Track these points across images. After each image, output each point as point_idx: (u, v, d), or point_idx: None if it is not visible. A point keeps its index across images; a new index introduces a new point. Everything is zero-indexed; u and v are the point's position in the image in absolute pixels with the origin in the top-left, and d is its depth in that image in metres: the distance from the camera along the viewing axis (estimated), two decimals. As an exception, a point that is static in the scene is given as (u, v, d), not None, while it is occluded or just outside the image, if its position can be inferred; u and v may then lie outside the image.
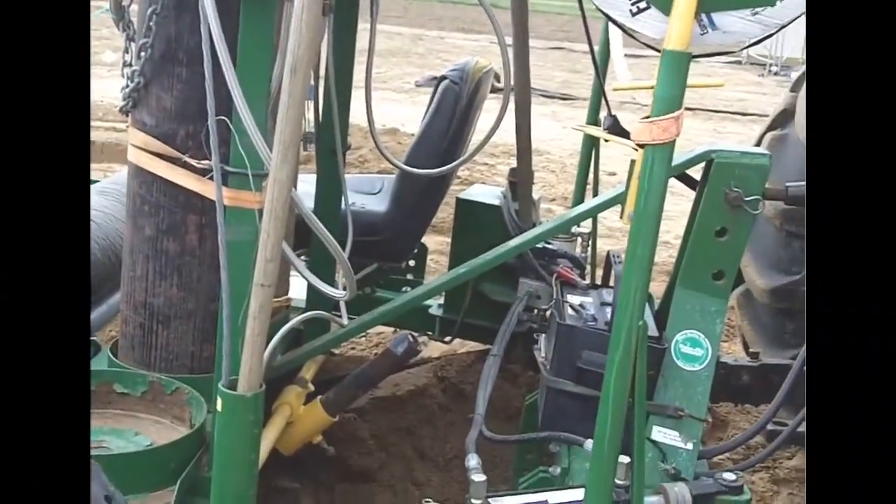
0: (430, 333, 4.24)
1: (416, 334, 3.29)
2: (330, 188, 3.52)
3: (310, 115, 3.39)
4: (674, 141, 1.81)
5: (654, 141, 1.78)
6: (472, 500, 2.51)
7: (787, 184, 3.21)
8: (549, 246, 3.78)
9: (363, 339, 5.05)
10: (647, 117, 1.81)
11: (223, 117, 2.48)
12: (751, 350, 3.87)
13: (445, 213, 5.57)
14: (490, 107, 3.96)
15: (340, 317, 3.23)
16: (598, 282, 3.47)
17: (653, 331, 2.99)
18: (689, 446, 2.90)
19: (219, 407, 2.34)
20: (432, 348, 4.74)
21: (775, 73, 20.30)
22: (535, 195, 4.07)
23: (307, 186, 3.65)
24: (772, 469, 4.37)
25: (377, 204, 3.99)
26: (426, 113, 4.00)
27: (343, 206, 3.48)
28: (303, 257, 3.53)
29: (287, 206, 2.11)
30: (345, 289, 2.77)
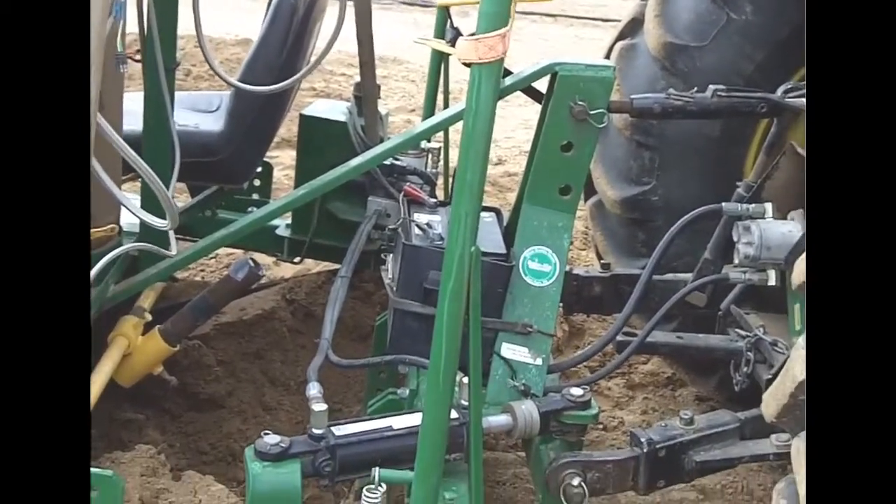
0: (278, 254, 4.11)
1: (255, 260, 3.15)
2: (158, 107, 3.31)
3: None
4: (501, 59, 1.71)
5: (481, 60, 1.68)
6: (314, 430, 2.43)
7: (633, 97, 3.17)
8: (398, 162, 3.66)
9: (213, 260, 4.89)
10: (473, 34, 1.71)
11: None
12: (602, 261, 3.85)
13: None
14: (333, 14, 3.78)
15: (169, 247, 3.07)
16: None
17: (501, 248, 2.95)
18: (539, 362, 2.89)
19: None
20: (285, 269, 4.62)
21: (635, -22, 20.29)
22: (392, 106, 3.95)
23: (136, 106, 3.44)
24: (627, 374, 4.42)
25: (214, 123, 3.79)
26: (262, 24, 3.80)
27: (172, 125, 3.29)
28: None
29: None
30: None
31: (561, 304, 3.07)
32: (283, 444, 2.37)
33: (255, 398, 3.83)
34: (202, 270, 4.84)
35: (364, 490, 2.03)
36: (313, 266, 4.56)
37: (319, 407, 2.44)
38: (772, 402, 2.28)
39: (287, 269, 4.64)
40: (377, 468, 2.06)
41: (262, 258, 4.52)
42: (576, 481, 2.67)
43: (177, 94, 3.70)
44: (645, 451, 2.72)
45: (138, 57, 3.26)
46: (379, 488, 2.04)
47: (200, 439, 3.63)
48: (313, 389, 2.55)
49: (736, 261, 3.16)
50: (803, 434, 2.12)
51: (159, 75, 3.17)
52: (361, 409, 3.53)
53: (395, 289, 2.94)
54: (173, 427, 3.64)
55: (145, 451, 2.91)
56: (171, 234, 3.02)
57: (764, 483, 3.75)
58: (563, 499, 2.69)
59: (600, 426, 4.04)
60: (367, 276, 4.09)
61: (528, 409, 2.68)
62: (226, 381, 3.79)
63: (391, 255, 3.14)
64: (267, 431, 2.40)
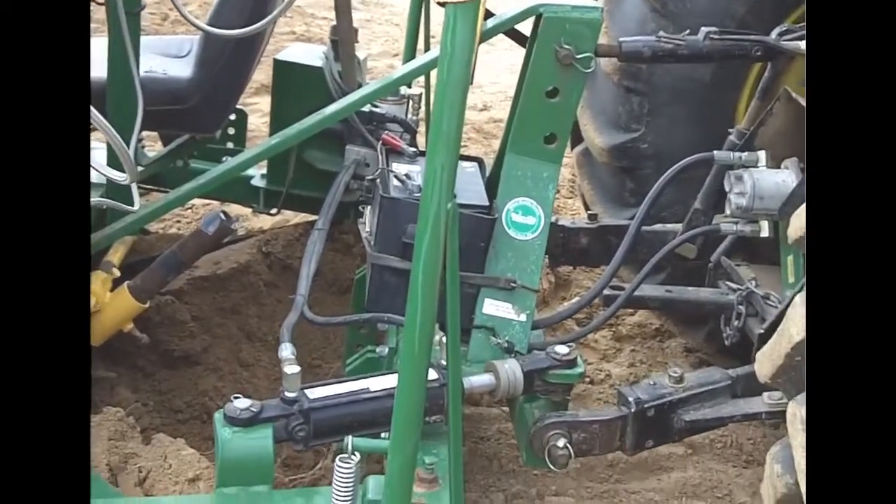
0: (254, 206, 3.99)
1: (227, 213, 3.02)
2: (121, 53, 3.15)
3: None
4: (479, -1, 1.57)
5: (456, -1, 1.54)
6: (286, 394, 2.32)
7: (621, 40, 3.03)
8: (377, 109, 3.52)
9: (188, 211, 4.75)
10: (448, -30, 1.57)
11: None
12: (589, 211, 3.74)
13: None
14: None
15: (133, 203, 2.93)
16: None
17: (483, 200, 2.83)
18: (523, 318, 2.79)
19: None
20: (262, 220, 4.48)
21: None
22: (375, 51, 3.79)
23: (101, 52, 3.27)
24: (614, 326, 4.33)
25: (183, 69, 3.62)
26: None
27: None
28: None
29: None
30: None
31: (546, 256, 2.97)
32: (253, 409, 2.26)
33: (231, 354, 3.72)
34: (178, 222, 4.70)
35: (337, 460, 1.92)
36: (291, 217, 4.43)
37: (292, 369, 2.32)
38: (766, 363, 2.19)
39: (264, 221, 4.50)
40: (350, 437, 1.94)
41: (238, 209, 4.41)
42: (561, 442, 2.58)
43: (147, 38, 3.54)
44: (633, 410, 2.63)
45: (102, 0, 3.10)
46: (353, 457, 1.93)
47: (175, 397, 3.52)
48: (286, 350, 2.44)
49: (727, 211, 3.06)
50: (800, 398, 2.03)
51: (121, 19, 3.01)
52: (341, 365, 3.42)
53: (372, 243, 2.82)
54: (146, 385, 3.52)
55: (113, 414, 2.80)
56: (133, 188, 2.89)
57: (754, 437, 3.68)
58: (547, 460, 2.61)
59: (587, 380, 3.96)
60: (346, 228, 3.97)
61: (511, 368, 2.58)
62: (200, 338, 3.67)
63: (369, 207, 3.02)
64: (237, 395, 2.30)
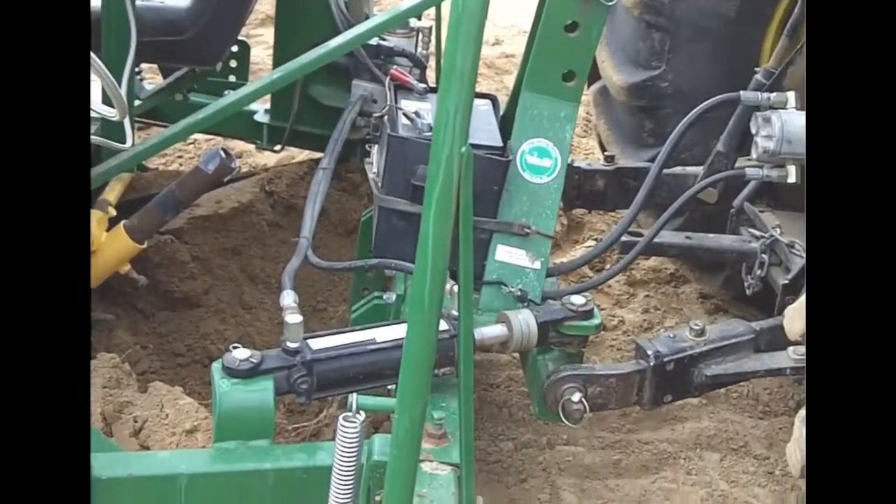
0: (258, 142, 3.85)
1: (227, 150, 2.88)
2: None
3: None
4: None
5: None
6: (288, 344, 2.20)
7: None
8: (385, 43, 3.37)
9: (191, 146, 4.61)
10: None
11: None
12: (606, 153, 3.60)
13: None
14: None
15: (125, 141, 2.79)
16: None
17: (496, 141, 2.70)
18: (537, 265, 2.67)
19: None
20: (266, 157, 4.34)
21: None
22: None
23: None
24: (628, 271, 4.19)
25: (181, -2, 3.47)
26: None
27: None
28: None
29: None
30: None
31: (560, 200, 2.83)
32: (253, 360, 2.15)
33: (233, 296, 3.61)
34: (179, 157, 4.57)
35: (340, 419, 1.81)
36: (296, 154, 4.30)
37: (294, 319, 2.20)
38: (797, 319, 2.08)
39: (268, 158, 4.36)
40: (355, 395, 1.82)
41: (240, 146, 4.28)
42: (576, 397, 2.47)
43: (145, -33, 3.39)
44: (651, 364, 2.52)
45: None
46: (357, 416, 1.81)
47: (175, 340, 3.42)
48: (288, 298, 2.32)
49: (753, 155, 2.95)
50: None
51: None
52: (347, 310, 3.31)
53: (379, 184, 2.69)
54: (146, 328, 3.42)
55: (108, 360, 2.69)
56: (127, 124, 2.74)
57: (770, 388, 3.57)
58: (561, 415, 2.50)
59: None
60: (352, 166, 3.84)
61: (524, 319, 2.46)
62: (201, 279, 3.56)
63: (376, 146, 2.88)
64: (236, 345, 2.17)
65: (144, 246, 3.02)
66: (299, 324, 2.20)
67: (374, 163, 2.84)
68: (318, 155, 3.92)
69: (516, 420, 3.38)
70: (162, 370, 3.27)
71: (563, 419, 2.50)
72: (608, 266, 4.05)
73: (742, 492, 3.12)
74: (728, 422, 3.43)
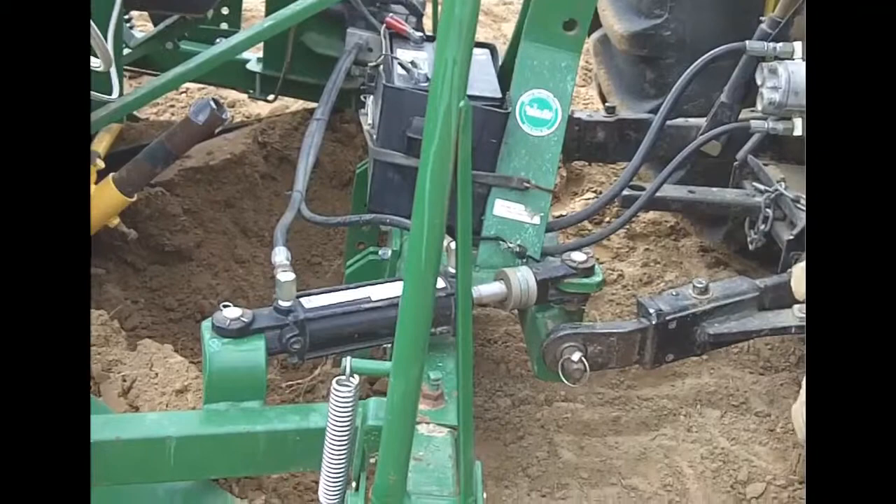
0: (250, 91, 3.76)
1: (218, 100, 2.80)
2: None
3: None
4: None
5: None
6: (280, 303, 2.14)
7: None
8: (380, -11, 3.28)
9: (183, 95, 4.52)
10: None
11: None
12: (607, 104, 3.53)
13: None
14: None
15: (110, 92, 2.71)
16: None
17: (495, 92, 2.62)
18: (536, 220, 2.62)
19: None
20: (259, 108, 4.26)
21: None
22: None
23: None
24: (627, 225, 4.12)
25: (171, -60, 3.38)
26: None
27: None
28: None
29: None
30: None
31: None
32: (244, 319, 2.09)
33: (225, 250, 3.55)
34: (171, 107, 4.50)
35: (333, 382, 1.75)
36: (290, 104, 4.21)
37: (286, 277, 2.14)
38: (805, 279, 2.00)
39: (262, 108, 4.28)
40: (348, 357, 1.76)
41: (233, 95, 4.19)
42: (576, 356, 2.43)
43: None
44: (653, 322, 2.48)
45: None
46: (351, 379, 1.75)
47: (167, 295, 3.36)
48: (280, 255, 2.25)
49: (759, 106, 2.87)
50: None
51: None
52: (342, 264, 3.24)
53: (374, 137, 2.61)
54: (136, 282, 3.36)
55: (96, 318, 2.62)
56: (113, 73, 2.66)
57: (772, 343, 3.52)
58: (561, 374, 2.45)
59: (598, 278, 3.79)
60: (347, 117, 3.77)
61: (523, 277, 2.41)
62: (193, 232, 3.49)
63: (371, 96, 2.80)
64: (226, 304, 2.11)
65: (134, 199, 2.96)
66: (292, 282, 2.14)
67: (370, 114, 2.76)
68: (312, 105, 3.84)
69: (514, 376, 3.33)
70: (153, 325, 3.21)
71: (563, 379, 2.46)
72: (608, 220, 3.99)
73: (743, 449, 3.08)
74: (729, 378, 3.39)
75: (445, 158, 1.52)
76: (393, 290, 2.23)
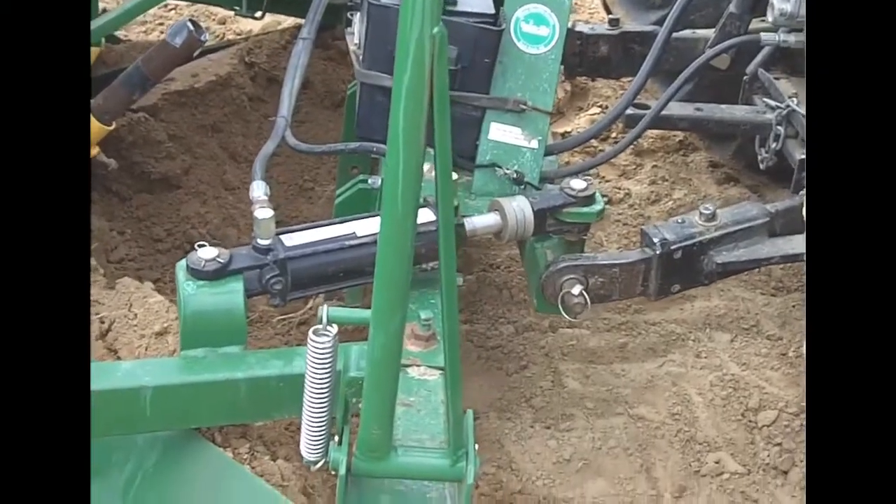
0: (236, 8, 3.59)
1: (196, 21, 2.64)
2: None
3: None
4: None
5: None
6: (259, 241, 2.02)
7: None
8: None
9: (172, 12, 4.34)
10: None
11: None
12: (610, 15, 3.36)
13: None
14: None
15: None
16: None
17: (488, 7, 2.48)
18: (534, 144, 2.49)
19: None
20: (246, 25, 4.09)
21: None
22: None
23: None
24: (635, 142, 3.98)
25: None
26: None
27: None
28: None
29: None
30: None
31: (561, 66, 2.62)
32: (220, 259, 1.97)
33: (214, 176, 3.43)
34: (160, 25, 4.33)
35: (310, 333, 1.63)
36: (283, 21, 4.03)
37: (264, 214, 2.02)
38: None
39: (253, 25, 4.10)
40: (325, 306, 1.64)
41: (222, 13, 4.02)
42: (576, 289, 2.32)
43: None
44: (658, 252, 2.37)
45: None
46: (328, 329, 1.64)
47: (154, 225, 3.26)
48: (258, 189, 2.12)
49: (769, 18, 2.72)
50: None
51: None
52: (335, 189, 3.12)
53: (361, 58, 2.46)
54: (122, 212, 3.25)
55: (75, 254, 2.50)
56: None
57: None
58: (561, 307, 2.35)
59: (604, 198, 3.66)
60: (339, 33, 3.59)
61: (519, 207, 2.28)
62: (180, 158, 3.37)
63: (358, 13, 2.64)
64: (202, 243, 2.00)
65: (113, 127, 2.83)
66: (270, 218, 2.02)
67: (356, 33, 2.61)
68: (301, 21, 3.68)
69: (517, 302, 3.23)
70: (140, 257, 3.11)
71: (564, 313, 2.36)
72: (614, 136, 3.84)
73: (754, 375, 2.98)
74: (739, 300, 3.28)
75: (420, 93, 1.39)
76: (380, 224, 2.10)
